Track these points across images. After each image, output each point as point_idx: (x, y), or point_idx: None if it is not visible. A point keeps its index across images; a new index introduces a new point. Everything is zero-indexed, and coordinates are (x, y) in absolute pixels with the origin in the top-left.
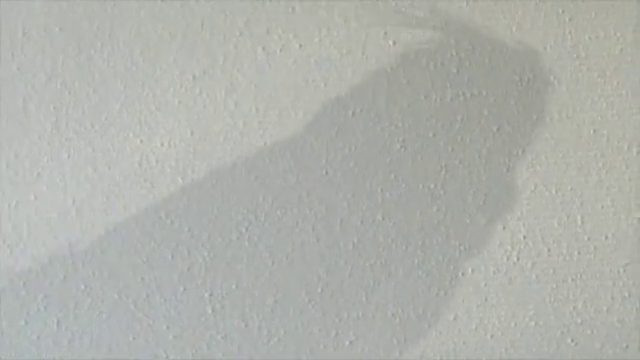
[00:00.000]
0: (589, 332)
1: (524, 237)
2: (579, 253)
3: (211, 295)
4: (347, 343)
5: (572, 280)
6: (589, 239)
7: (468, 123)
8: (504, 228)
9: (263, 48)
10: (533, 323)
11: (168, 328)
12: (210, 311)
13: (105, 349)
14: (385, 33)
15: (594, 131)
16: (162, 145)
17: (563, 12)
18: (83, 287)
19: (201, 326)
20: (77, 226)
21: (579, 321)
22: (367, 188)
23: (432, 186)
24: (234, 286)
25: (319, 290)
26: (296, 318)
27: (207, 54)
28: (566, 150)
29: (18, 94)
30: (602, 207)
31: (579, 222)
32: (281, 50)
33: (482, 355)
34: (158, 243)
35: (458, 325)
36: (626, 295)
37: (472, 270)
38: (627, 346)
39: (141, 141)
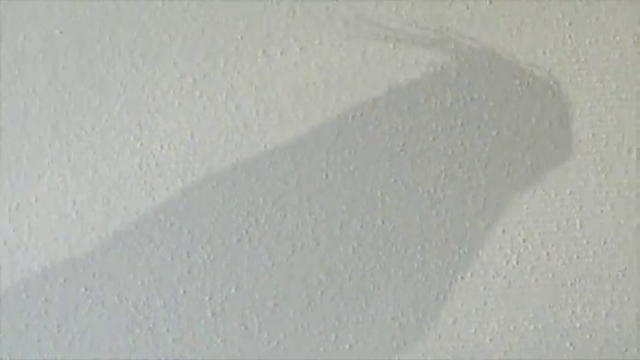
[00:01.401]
0: (588, 336)
1: (523, 241)
2: (578, 257)
3: (211, 298)
4: (347, 347)
5: (571, 284)
6: (588, 243)
7: (468, 127)
8: (503, 232)
9: (263, 51)
10: (532, 327)
11: (168, 331)
12: (210, 314)
13: (105, 352)
14: (385, 37)
15: (593, 135)
16: (162, 148)
17: (563, 16)
18: (83, 290)
19: (201, 329)
20: (77, 228)
21: (578, 325)
22: (367, 192)
23: (432, 190)
24: (234, 289)
25: (319, 293)
26: (296, 321)
27: (207, 57)
28: (565, 154)
29: (19, 97)
30: (601, 211)
31: (578, 226)
32: (281, 53)
33: (481, 359)
34: (158, 246)
35: (457, 329)
36: (625, 299)
37: (471, 274)
38: (626, 350)
39: (141, 144)
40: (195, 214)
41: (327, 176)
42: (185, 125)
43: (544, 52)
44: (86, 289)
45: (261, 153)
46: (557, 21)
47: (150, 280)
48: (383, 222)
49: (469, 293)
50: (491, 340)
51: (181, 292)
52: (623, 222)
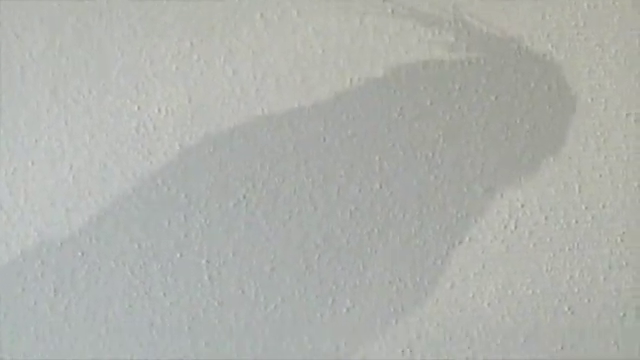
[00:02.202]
0: (586, 301)
1: (522, 206)
2: (577, 222)
3: (208, 262)
4: (344, 310)
5: (569, 249)
6: (587, 208)
7: (466, 91)
8: (502, 196)
9: (261, 15)
10: (530, 292)
11: (165, 295)
12: (207, 278)
13: (101, 316)
14: (383, 1)
15: (592, 99)
16: (159, 112)
17: None
18: (80, 254)
19: (197, 293)
20: (74, 193)
21: (576, 290)
22: (364, 156)
23: (430, 154)
24: (231, 253)
25: (316, 257)
26: (293, 285)
27: (205, 20)
28: (563, 118)
29: (16, 61)
30: (600, 176)
31: (577, 191)
32: (279, 17)
33: (479, 323)
34: (155, 210)
35: (455, 293)
36: (623, 264)
37: (470, 239)
38: (624, 314)
39: (138, 107)
40: (192, 178)
41: (325, 140)
42: (182, 89)
43: (542, 16)
44: (83, 253)
45: (258, 117)
46: None
47: (147, 244)
48: (381, 187)
49: (467, 258)
50: (489, 304)
51: (178, 256)
52: (621, 186)
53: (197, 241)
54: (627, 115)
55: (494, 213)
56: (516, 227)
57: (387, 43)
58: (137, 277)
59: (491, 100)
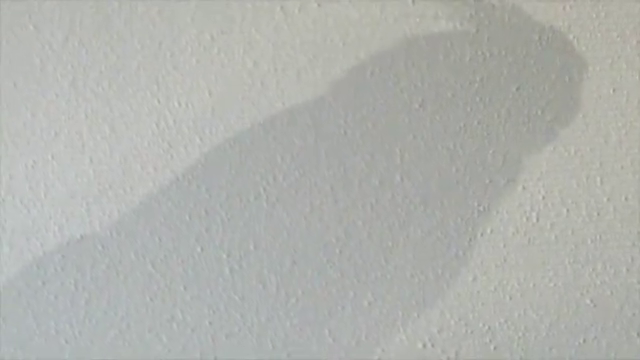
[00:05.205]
0: (608, 293)
1: (543, 198)
2: (598, 214)
3: (229, 256)
4: (366, 304)
5: (591, 241)
6: (608, 200)
7: (487, 83)
8: (523, 189)
9: (281, 7)
10: (552, 284)
11: (185, 289)
12: (228, 272)
13: (122, 310)
14: None
15: (614, 90)
16: (180, 105)
17: None
18: (100, 247)
19: (219, 287)
20: (94, 186)
21: (598, 282)
22: (385, 148)
23: (451, 146)
24: (252, 247)
25: (337, 251)
26: (314, 279)
27: (225, 13)
28: (585, 110)
29: (35, 54)
30: (622, 167)
31: (598, 183)
32: (299, 10)
33: (500, 316)
34: (176, 203)
35: (477, 286)
36: None
37: (491, 231)
38: None
39: (158, 101)
40: (213, 171)
41: (345, 133)
42: (202, 82)
43: (564, 7)
44: (103, 247)
45: (279, 110)
46: None
47: (167, 238)
48: (402, 179)
49: (489, 250)
50: (511, 298)
51: (199, 250)
52: None
53: (218, 235)
54: None
55: (516, 205)
56: (538, 219)
57: (408, 34)
58: (158, 271)
59: (512, 91)
